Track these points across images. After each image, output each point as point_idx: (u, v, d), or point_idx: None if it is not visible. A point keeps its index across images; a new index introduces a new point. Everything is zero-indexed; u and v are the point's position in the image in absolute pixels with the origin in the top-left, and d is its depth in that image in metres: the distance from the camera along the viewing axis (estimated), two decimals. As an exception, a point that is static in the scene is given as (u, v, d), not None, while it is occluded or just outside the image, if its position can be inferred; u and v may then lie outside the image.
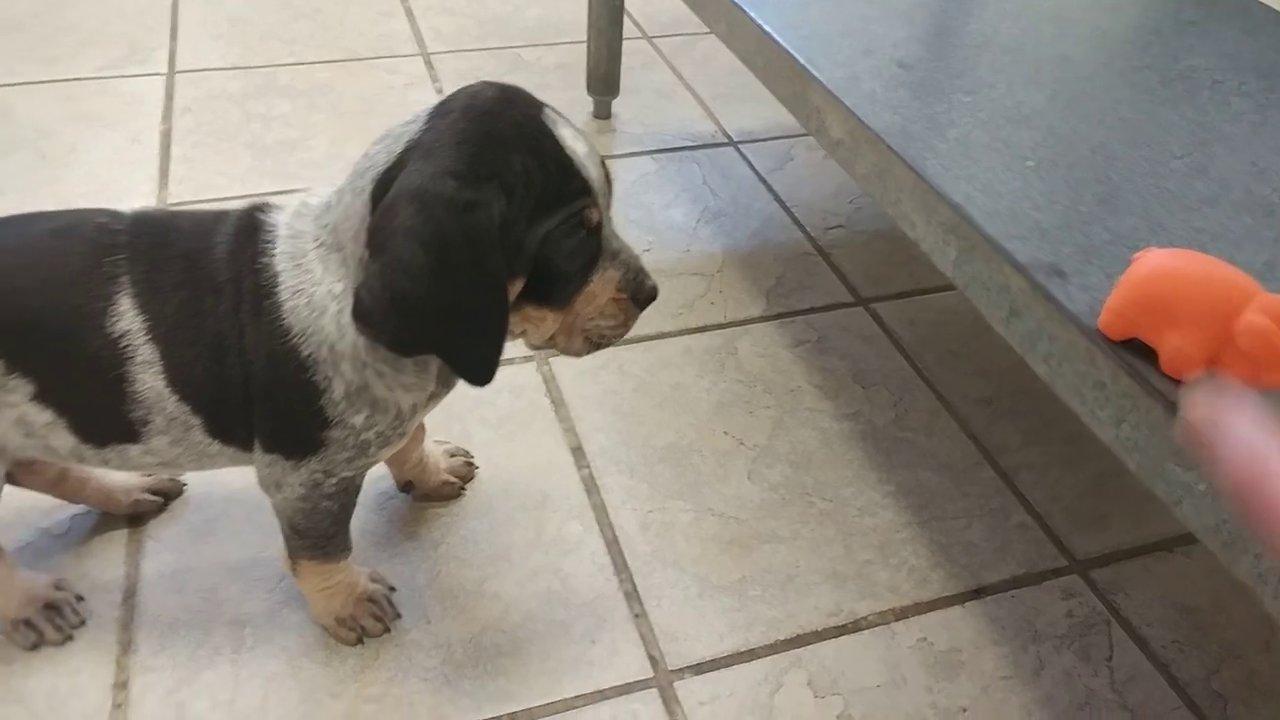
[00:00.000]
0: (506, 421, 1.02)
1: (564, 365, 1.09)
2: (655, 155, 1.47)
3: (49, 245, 0.66)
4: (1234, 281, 0.53)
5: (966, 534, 0.94)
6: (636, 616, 0.85)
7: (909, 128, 0.78)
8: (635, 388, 1.07)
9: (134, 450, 0.70)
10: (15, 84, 1.52)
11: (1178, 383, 0.55)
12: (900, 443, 1.03)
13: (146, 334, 0.65)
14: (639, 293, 0.66)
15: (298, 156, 1.40)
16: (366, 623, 0.82)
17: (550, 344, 0.68)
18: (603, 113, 1.53)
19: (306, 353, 0.64)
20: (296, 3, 1.82)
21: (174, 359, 0.65)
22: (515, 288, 0.63)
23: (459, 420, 1.02)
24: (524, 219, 0.60)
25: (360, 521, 0.81)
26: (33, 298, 0.65)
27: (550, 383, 1.07)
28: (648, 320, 1.15)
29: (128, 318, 0.65)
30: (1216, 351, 0.53)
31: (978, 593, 0.89)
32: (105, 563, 0.87)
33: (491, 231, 0.58)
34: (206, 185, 1.33)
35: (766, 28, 0.93)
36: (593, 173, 0.63)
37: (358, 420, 0.67)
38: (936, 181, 0.72)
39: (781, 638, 0.84)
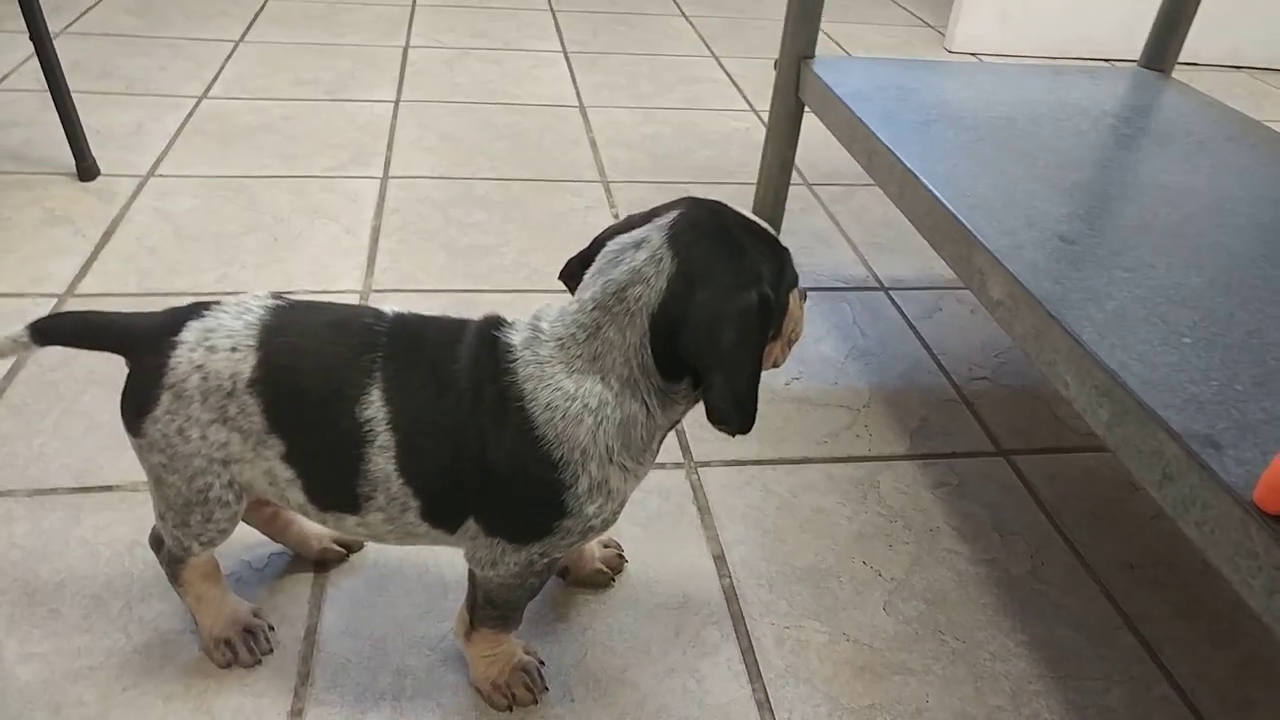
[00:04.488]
0: (655, 521, 1.10)
1: (711, 476, 1.17)
2: (809, 293, 1.56)
3: (325, 334, 0.77)
4: (1386, 471, 0.57)
5: (1104, 698, 0.95)
6: (766, 724, 0.89)
7: (1068, 296, 0.85)
8: (778, 506, 1.13)
9: (350, 520, 0.80)
10: (261, 176, 1.75)
11: (1327, 560, 0.59)
12: (1036, 594, 1.05)
13: (388, 423, 0.75)
14: (800, 291, 0.81)
15: (489, 261, 1.55)
16: (518, 691, 0.89)
17: (773, 365, 0.82)
18: (764, 249, 1.64)
19: (558, 456, 0.74)
20: (499, 125, 2.03)
21: (408, 448, 0.75)
22: None
23: (613, 516, 1.10)
24: (778, 291, 0.75)
25: (521, 596, 0.89)
26: (303, 375, 0.76)
27: (698, 490, 1.15)
28: (792, 445, 1.23)
29: (375, 406, 0.75)
30: (1367, 534, 0.56)
31: (1107, 755, 0.89)
32: (293, 600, 0.97)
33: (776, 313, 0.75)
34: (407, 277, 1.50)
35: (938, 194, 1.01)
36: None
37: (591, 509, 0.76)
38: (1093, 347, 0.78)
39: (905, 767, 0.87)
